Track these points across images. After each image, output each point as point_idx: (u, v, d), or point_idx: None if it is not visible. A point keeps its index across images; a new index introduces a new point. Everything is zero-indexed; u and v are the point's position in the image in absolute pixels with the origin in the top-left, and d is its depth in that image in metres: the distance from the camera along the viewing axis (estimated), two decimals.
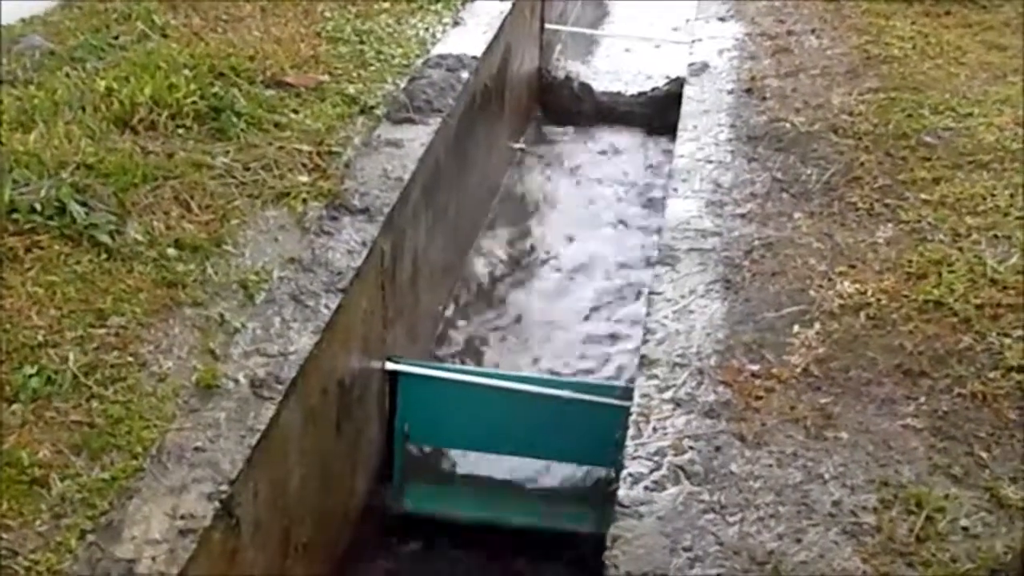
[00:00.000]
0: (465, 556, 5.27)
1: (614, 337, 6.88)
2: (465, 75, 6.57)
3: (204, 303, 4.28)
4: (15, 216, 4.44)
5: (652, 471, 3.63)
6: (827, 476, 3.60)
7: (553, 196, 8.60)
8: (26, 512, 3.29)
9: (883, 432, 3.78)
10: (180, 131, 5.34)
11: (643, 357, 4.20)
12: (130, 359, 3.93)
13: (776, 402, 3.91)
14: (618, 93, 9.69)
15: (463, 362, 6.43)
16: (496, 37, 7.38)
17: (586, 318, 7.11)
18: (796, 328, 4.30)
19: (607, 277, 7.55)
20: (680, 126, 6.19)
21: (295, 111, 5.77)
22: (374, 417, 5.20)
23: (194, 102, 5.47)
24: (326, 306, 4.40)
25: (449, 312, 6.85)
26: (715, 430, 3.79)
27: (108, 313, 4.11)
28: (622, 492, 3.55)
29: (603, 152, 9.31)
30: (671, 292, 4.58)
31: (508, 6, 7.79)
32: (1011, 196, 5.19)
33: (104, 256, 4.39)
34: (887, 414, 3.86)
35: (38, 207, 4.47)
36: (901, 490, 3.54)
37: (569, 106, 9.62)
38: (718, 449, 3.71)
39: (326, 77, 6.21)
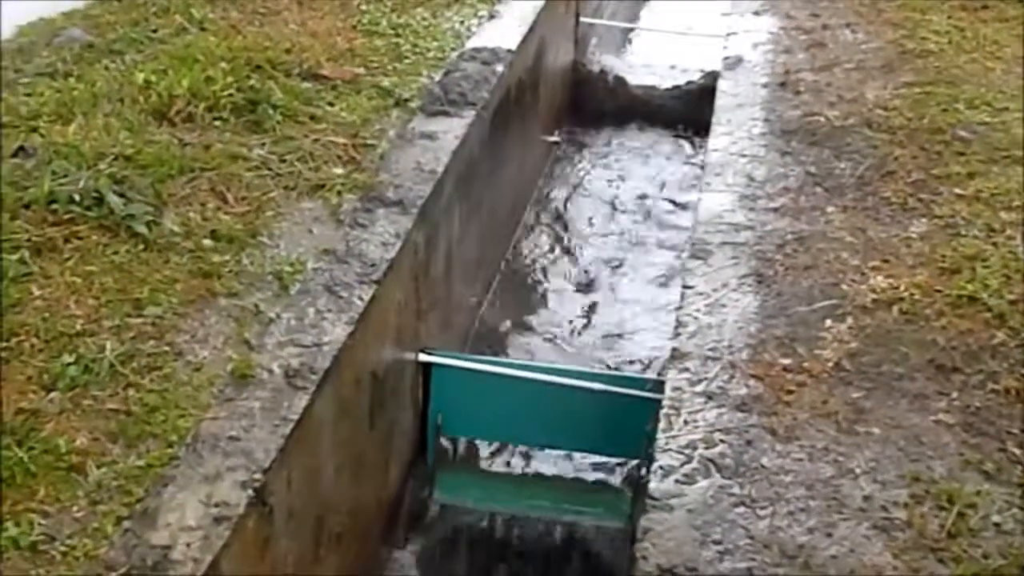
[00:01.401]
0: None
1: (649, 334, 6.89)
2: (500, 68, 6.58)
3: (239, 294, 4.31)
4: (54, 207, 4.48)
5: (683, 464, 3.63)
6: (858, 471, 3.59)
7: (588, 189, 8.61)
8: (63, 498, 3.33)
9: (915, 427, 3.77)
10: (217, 123, 5.38)
11: (675, 350, 4.20)
12: (166, 348, 3.96)
13: (808, 396, 3.91)
14: (652, 87, 9.70)
15: (497, 354, 6.45)
16: (531, 30, 7.38)
17: (621, 311, 7.12)
18: (828, 322, 4.29)
19: (645, 269, 7.56)
20: (714, 120, 6.18)
21: (331, 104, 5.80)
22: (407, 408, 5.23)
23: (231, 94, 5.51)
24: (360, 297, 4.41)
25: (484, 304, 6.87)
26: (746, 424, 3.79)
27: (145, 303, 4.14)
28: (653, 485, 3.55)
29: (638, 145, 9.31)
30: (703, 286, 4.58)
31: (543, 0, 7.79)
32: None
33: (141, 247, 4.43)
34: (919, 409, 3.85)
35: (77, 198, 4.51)
36: (932, 486, 3.52)
37: (603, 99, 9.62)
38: (749, 443, 3.71)
39: (362, 70, 6.24)
